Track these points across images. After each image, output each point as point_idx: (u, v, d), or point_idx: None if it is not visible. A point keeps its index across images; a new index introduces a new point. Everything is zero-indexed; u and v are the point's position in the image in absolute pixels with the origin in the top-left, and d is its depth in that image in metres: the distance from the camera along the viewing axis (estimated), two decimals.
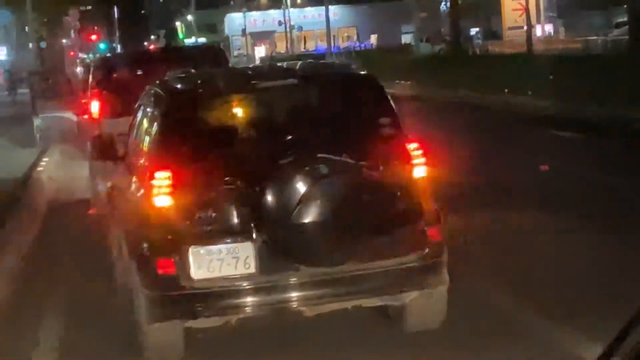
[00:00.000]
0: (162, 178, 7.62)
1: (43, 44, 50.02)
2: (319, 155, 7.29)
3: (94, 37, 73.19)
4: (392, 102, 8.53)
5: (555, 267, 10.05)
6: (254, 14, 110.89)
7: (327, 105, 8.64)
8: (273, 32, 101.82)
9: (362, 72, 9.52)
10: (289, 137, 7.76)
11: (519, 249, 10.97)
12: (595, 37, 51.40)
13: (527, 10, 49.16)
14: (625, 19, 46.84)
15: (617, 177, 15.54)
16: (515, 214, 12.74)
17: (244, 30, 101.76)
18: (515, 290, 9.20)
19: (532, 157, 18.78)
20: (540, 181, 15.89)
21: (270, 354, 7.97)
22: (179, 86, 9.30)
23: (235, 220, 7.49)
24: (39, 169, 21.33)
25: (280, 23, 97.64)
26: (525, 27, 52.63)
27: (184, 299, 7.47)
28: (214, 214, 7.57)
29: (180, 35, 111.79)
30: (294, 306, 7.72)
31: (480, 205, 12.82)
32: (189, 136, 8.20)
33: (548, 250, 10.81)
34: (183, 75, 10.12)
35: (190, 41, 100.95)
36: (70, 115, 25.87)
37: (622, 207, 12.98)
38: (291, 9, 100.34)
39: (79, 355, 8.20)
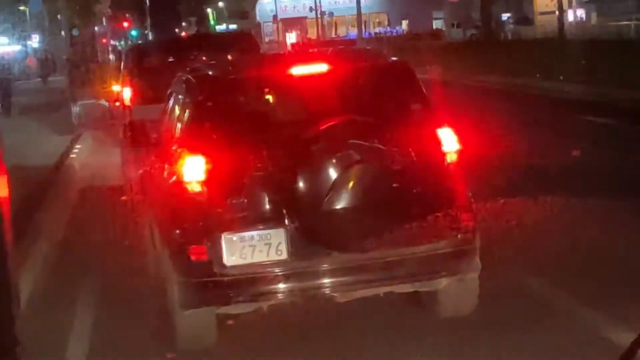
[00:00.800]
0: (195, 163, 7.66)
1: (76, 32, 50.11)
2: (351, 141, 7.29)
3: (125, 24, 73.31)
4: (424, 88, 8.49)
5: (588, 250, 9.99)
6: (285, 0, 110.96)
7: (358, 92, 8.56)
8: (304, 18, 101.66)
9: (394, 59, 9.44)
10: (322, 123, 7.68)
11: (553, 232, 10.92)
12: (627, 22, 51.10)
13: None
14: None
15: None
16: (548, 197, 12.70)
17: (275, 17, 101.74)
18: (549, 275, 9.18)
19: (563, 140, 18.78)
20: (573, 165, 15.84)
21: (302, 340, 7.94)
22: (210, 73, 9.33)
23: (267, 206, 7.50)
24: (72, 157, 21.38)
25: (311, 9, 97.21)
26: (557, 12, 52.61)
27: (216, 286, 7.47)
28: (246, 201, 7.53)
29: (212, 22, 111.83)
30: (326, 292, 7.69)
31: (514, 188, 12.81)
32: (221, 122, 8.19)
33: (580, 233, 10.75)
34: (214, 62, 10.19)
35: (221, 28, 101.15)
36: (103, 102, 26.07)
37: None
38: None
39: (111, 341, 8.22)
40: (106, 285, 9.92)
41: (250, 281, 7.50)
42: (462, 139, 8.00)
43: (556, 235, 10.82)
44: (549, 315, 8.21)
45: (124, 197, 13.34)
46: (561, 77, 30.69)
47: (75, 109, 29.62)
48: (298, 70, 8.64)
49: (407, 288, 7.92)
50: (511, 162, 15.19)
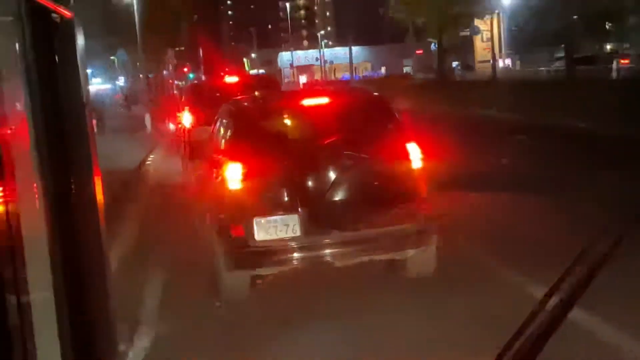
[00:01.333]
0: (234, 168, 7.81)
1: (151, 75, 50.12)
2: (345, 152, 7.47)
3: (185, 69, 73.91)
4: (396, 114, 8.70)
5: (516, 227, 10.14)
6: (298, 53, 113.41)
7: (350, 117, 8.60)
8: (312, 65, 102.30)
9: (375, 94, 9.59)
10: (325, 140, 7.80)
11: (491, 217, 10.98)
12: (542, 68, 51.16)
13: (492, 48, 49.00)
14: (563, 54, 46.85)
15: (555, 165, 15.57)
16: (486, 193, 12.73)
17: (291, 64, 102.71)
18: (489, 248, 9.21)
19: (494, 151, 18.82)
20: (503, 169, 15.89)
21: (309, 294, 8.04)
22: (245, 104, 9.58)
23: (286, 198, 7.65)
24: (148, 163, 21.72)
25: (317, 59, 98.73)
26: (491, 61, 52.65)
27: (249, 254, 7.63)
28: (270, 194, 7.73)
29: (247, 67, 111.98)
30: (328, 260, 7.83)
31: (459, 185, 12.86)
32: (252, 139, 8.30)
33: (514, 216, 10.94)
34: (248, 97, 10.46)
35: (253, 71, 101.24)
36: (170, 125, 26.27)
37: (558, 186, 13.03)
38: (325, 49, 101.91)
39: (177, 295, 8.29)
40: (170, 252, 10.01)
41: (273, 251, 7.67)
42: (423, 151, 8.12)
43: (489, 217, 10.91)
44: (482, 277, 8.26)
45: (183, 192, 13.47)
46: (494, 108, 30.69)
47: (150, 130, 29.92)
48: (307, 102, 8.91)
49: (385, 256, 8.10)
50: (457, 167, 15.22)
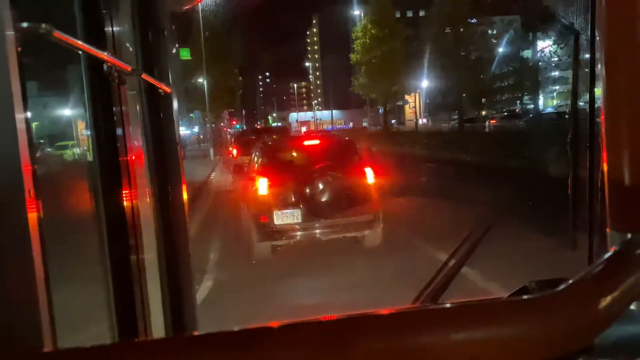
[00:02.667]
0: (263, 181, 7.88)
1: (212, 125, 49.97)
2: (329, 172, 7.49)
3: (234, 122, 73.49)
4: (359, 150, 8.78)
5: (430, 218, 10.02)
6: (301, 113, 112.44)
7: (332, 152, 8.62)
8: (309, 120, 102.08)
9: (347, 138, 9.65)
10: (316, 165, 7.80)
11: (416, 211, 10.83)
12: (444, 124, 51.02)
13: (415, 112, 49.06)
14: (456, 116, 47.08)
15: (451, 181, 15.52)
16: (410, 197, 12.68)
17: (297, 120, 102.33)
18: (413, 230, 9.16)
19: (415, 172, 18.79)
20: (419, 185, 15.70)
21: (306, 255, 8.05)
22: (270, 143, 9.50)
23: (293, 199, 7.65)
24: (211, 177, 21.55)
25: (312, 117, 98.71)
26: (414, 119, 52.67)
27: (271, 232, 7.68)
28: (284, 196, 7.74)
29: (270, 121, 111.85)
30: (317, 236, 7.77)
31: (397, 194, 12.81)
32: (273, 164, 8.39)
33: (427, 212, 10.81)
34: (271, 139, 10.57)
35: (275, 124, 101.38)
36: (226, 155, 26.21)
37: (454, 193, 12.97)
38: (317, 111, 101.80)
39: (228, 256, 8.28)
40: (224, 232, 9.96)
41: (285, 231, 7.69)
42: (374, 173, 8.16)
43: (411, 212, 10.86)
44: (408, 247, 8.22)
45: (232, 195, 13.41)
46: (416, 147, 30.68)
47: (213, 158, 29.72)
48: (306, 142, 9.03)
49: (351, 234, 8.07)
50: (392, 182, 15.19)
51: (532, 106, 44.35)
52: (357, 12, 58.85)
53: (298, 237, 7.85)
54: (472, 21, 35.80)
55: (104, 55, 1.60)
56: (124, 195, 1.73)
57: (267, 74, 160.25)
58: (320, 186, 7.52)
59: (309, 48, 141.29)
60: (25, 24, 1.06)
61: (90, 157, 1.73)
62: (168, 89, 2.04)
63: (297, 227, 7.78)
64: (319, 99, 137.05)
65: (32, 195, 1.07)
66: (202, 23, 40.06)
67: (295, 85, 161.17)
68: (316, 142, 9.06)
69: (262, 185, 7.92)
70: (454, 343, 0.56)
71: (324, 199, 7.52)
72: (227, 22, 50.28)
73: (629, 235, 0.72)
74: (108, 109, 1.73)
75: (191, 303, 2.16)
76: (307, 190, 7.59)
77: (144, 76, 1.91)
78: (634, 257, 0.68)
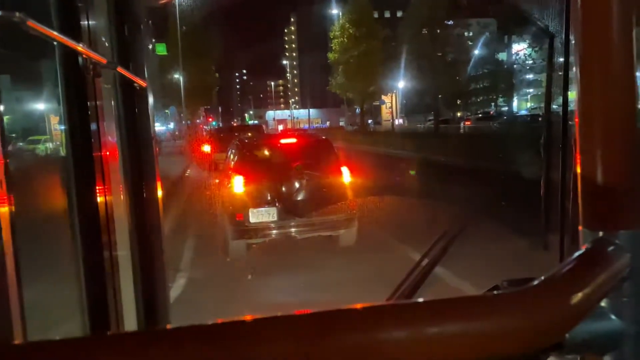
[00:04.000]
0: (238, 179, 7.83)
1: (189, 122, 49.60)
2: (305, 171, 7.47)
3: (210, 119, 73.00)
4: (335, 150, 8.78)
5: (405, 218, 10.04)
6: (278, 112, 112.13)
7: (308, 150, 8.60)
8: (286, 119, 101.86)
9: (323, 137, 9.63)
10: (293, 163, 7.81)
11: (391, 211, 10.91)
12: (419, 125, 51.28)
13: (392, 113, 49.34)
14: (432, 117, 47.42)
15: (432, 182, 15.54)
16: (387, 197, 12.73)
17: (274, 118, 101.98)
18: (387, 229, 9.20)
19: (390, 173, 18.85)
20: (398, 184, 15.71)
21: (282, 253, 7.99)
22: (246, 141, 9.39)
23: (269, 197, 7.61)
24: (187, 174, 21.41)
25: (289, 115, 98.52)
26: (391, 120, 52.97)
27: (246, 230, 7.62)
28: (259, 194, 7.69)
29: (247, 119, 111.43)
30: (293, 234, 7.75)
31: (372, 193, 12.83)
32: (250, 161, 8.35)
33: (403, 211, 10.85)
34: (246, 137, 10.50)
35: (251, 122, 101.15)
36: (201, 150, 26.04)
37: (429, 193, 13.04)
38: (294, 110, 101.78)
39: (203, 253, 8.22)
40: (199, 228, 9.89)
41: (260, 229, 7.65)
42: (350, 172, 8.18)
43: (386, 210, 10.88)
44: (383, 246, 8.27)
45: (208, 192, 13.31)
46: (392, 147, 30.81)
47: (187, 155, 29.55)
48: (282, 141, 8.95)
49: (327, 233, 8.07)
50: (369, 181, 15.22)
51: (507, 108, 44.93)
52: (335, 11, 58.96)
53: (273, 236, 7.82)
54: (449, 23, 36.10)
55: (79, 46, 1.58)
56: (97, 190, 1.71)
57: (244, 71, 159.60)
58: (297, 185, 7.52)
59: (286, 46, 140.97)
60: None
61: (63, 152, 1.71)
62: (144, 83, 2.02)
63: (273, 225, 7.73)
64: (296, 98, 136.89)
65: (4, 189, 1.05)
66: (179, 18, 39.75)
67: (272, 83, 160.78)
68: (293, 140, 9.06)
69: (238, 183, 7.87)
70: (425, 338, 0.57)
71: (299, 198, 7.52)
72: (204, 18, 49.91)
73: (600, 234, 0.73)
74: (82, 102, 1.71)
75: (164, 299, 2.15)
76: (283, 189, 7.57)
77: (120, 69, 1.89)
78: (604, 255, 0.69)
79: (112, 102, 1.92)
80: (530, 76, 45.91)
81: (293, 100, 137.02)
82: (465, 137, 30.94)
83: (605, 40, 0.72)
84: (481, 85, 44.84)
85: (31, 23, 1.17)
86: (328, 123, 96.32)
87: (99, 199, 1.72)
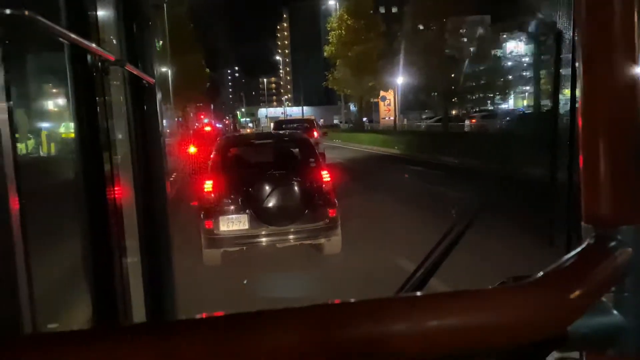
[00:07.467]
0: (209, 183, 7.75)
1: (180, 119, 49.31)
2: (277, 174, 7.45)
3: (202, 116, 72.72)
4: (316, 150, 8.69)
5: (387, 221, 10.12)
6: (271, 109, 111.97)
7: (285, 151, 8.67)
8: (279, 116, 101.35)
9: (304, 136, 9.47)
10: (267, 165, 7.90)
11: (373, 215, 10.88)
12: (418, 123, 50.62)
13: (394, 110, 49.07)
14: (427, 116, 47.15)
15: (429, 185, 15.49)
16: (373, 199, 12.62)
17: (266, 116, 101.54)
18: (368, 234, 9.23)
19: (389, 174, 18.80)
20: (392, 186, 15.51)
21: (259, 263, 7.96)
22: (223, 142, 9.20)
23: (240, 204, 7.49)
24: (171, 178, 21.15)
25: (282, 113, 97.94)
26: (387, 118, 52.70)
27: (217, 239, 7.53)
28: (230, 201, 7.56)
29: (239, 117, 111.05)
30: (269, 243, 7.68)
31: (355, 196, 12.73)
32: (223, 162, 8.21)
33: (385, 213, 10.93)
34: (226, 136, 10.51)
35: (243, 119, 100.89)
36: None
37: (432, 198, 12.96)
38: (287, 107, 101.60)
39: (180, 259, 8.08)
40: (180, 238, 9.78)
41: (230, 238, 7.53)
42: (332, 174, 8.17)
43: (375, 216, 10.82)
44: (364, 251, 8.23)
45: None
46: (395, 147, 30.34)
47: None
48: (257, 141, 9.18)
49: (308, 242, 7.90)
50: (357, 183, 15.18)
51: (506, 106, 44.89)
52: (332, 1, 58.56)
53: (244, 244, 7.60)
54: (454, 18, 35.72)
55: (88, 44, 1.64)
56: (107, 183, 1.77)
57: (236, 68, 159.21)
58: (268, 189, 7.30)
59: (279, 43, 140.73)
60: (8, 11, 1.10)
61: (73, 147, 1.77)
62: (152, 80, 2.08)
63: (244, 234, 7.49)
64: (289, 95, 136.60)
65: (15, 182, 1.11)
66: (168, 14, 39.59)
67: (265, 80, 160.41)
68: (269, 141, 8.98)
69: (207, 188, 7.70)
70: (429, 330, 0.61)
71: (271, 204, 7.32)
72: (195, 14, 49.75)
73: (602, 229, 0.76)
74: (91, 99, 1.76)
75: (171, 289, 2.21)
76: (255, 194, 7.34)
77: (128, 67, 1.95)
78: (606, 250, 0.72)
79: (121, 98, 1.99)
80: (527, 73, 45.93)
81: (285, 97, 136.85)
82: (477, 136, 28.96)
83: (608, 37, 0.75)
84: (482, 82, 44.60)
85: (41, 21, 1.21)
86: (322, 121, 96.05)
87: (109, 191, 1.78)
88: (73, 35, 1.53)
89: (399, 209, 11.35)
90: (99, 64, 1.75)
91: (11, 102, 1.15)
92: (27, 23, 1.17)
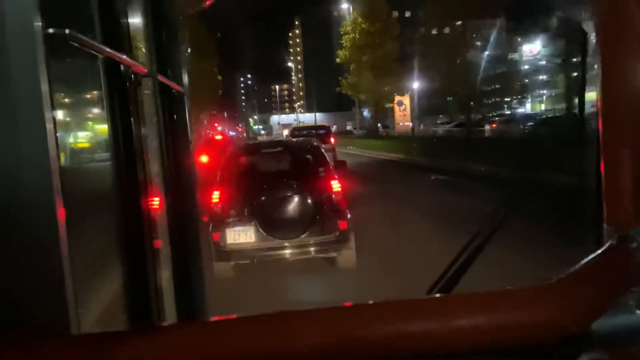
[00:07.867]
0: (216, 194, 7.71)
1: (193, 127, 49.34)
2: (285, 184, 7.21)
3: (216, 124, 73.01)
4: (327, 157, 8.48)
5: (401, 234, 9.85)
6: (283, 116, 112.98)
7: (295, 159, 8.58)
8: (291, 124, 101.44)
9: (314, 143, 9.21)
10: (275, 174, 7.82)
11: (386, 223, 10.83)
12: (435, 129, 49.87)
13: (411, 115, 48.86)
14: (442, 121, 46.64)
15: (446, 193, 15.30)
16: (388, 208, 12.54)
17: (279, 123, 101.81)
18: (387, 246, 9.12)
19: (404, 181, 18.60)
20: (406, 194, 15.25)
21: (270, 274, 7.86)
22: (234, 150, 9.12)
23: (246, 216, 7.37)
24: None
25: (294, 120, 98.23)
26: (402, 123, 52.44)
27: (224, 252, 7.44)
28: (237, 213, 7.49)
29: (252, 125, 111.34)
30: (279, 257, 7.53)
31: (369, 207, 12.30)
32: (232, 172, 8.19)
33: (397, 225, 10.63)
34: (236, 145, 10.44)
35: (256, 127, 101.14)
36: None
37: (448, 206, 12.68)
38: (299, 114, 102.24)
39: None
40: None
41: (238, 251, 7.43)
42: (344, 184, 7.98)
43: (388, 224, 10.76)
44: (383, 265, 8.11)
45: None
46: (414, 153, 29.43)
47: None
48: (266, 150, 8.99)
49: (319, 255, 7.69)
50: (371, 193, 14.96)
51: (523, 110, 44.51)
52: (345, 5, 58.41)
53: (251, 257, 7.46)
54: (473, 21, 35.23)
55: (121, 57, 1.71)
56: (141, 190, 1.83)
57: (249, 75, 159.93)
58: (273, 201, 7.16)
59: (291, 50, 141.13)
60: (51, 30, 1.16)
61: (109, 157, 1.83)
62: (181, 89, 2.15)
63: (252, 247, 7.38)
64: (301, 102, 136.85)
65: (59, 190, 1.17)
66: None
67: (277, 87, 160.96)
68: (278, 149, 8.76)
69: (215, 199, 7.61)
70: (461, 328, 0.63)
71: (276, 216, 7.17)
72: (209, 23, 49.98)
73: (624, 231, 0.78)
74: (125, 110, 1.83)
75: (202, 290, 2.27)
76: (259, 206, 7.19)
77: (159, 77, 2.01)
78: (627, 251, 0.75)
79: (153, 108, 2.06)
80: (545, 77, 45.60)
81: (298, 104, 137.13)
82: (508, 142, 27.58)
83: (628, 40, 0.77)
84: (501, 86, 43.98)
85: (80, 38, 1.27)
86: (335, 127, 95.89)
87: (142, 203, 1.84)
88: (108, 50, 1.60)
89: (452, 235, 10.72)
90: (132, 76, 1.81)
91: (55, 112, 1.20)
92: (69, 41, 1.22)
